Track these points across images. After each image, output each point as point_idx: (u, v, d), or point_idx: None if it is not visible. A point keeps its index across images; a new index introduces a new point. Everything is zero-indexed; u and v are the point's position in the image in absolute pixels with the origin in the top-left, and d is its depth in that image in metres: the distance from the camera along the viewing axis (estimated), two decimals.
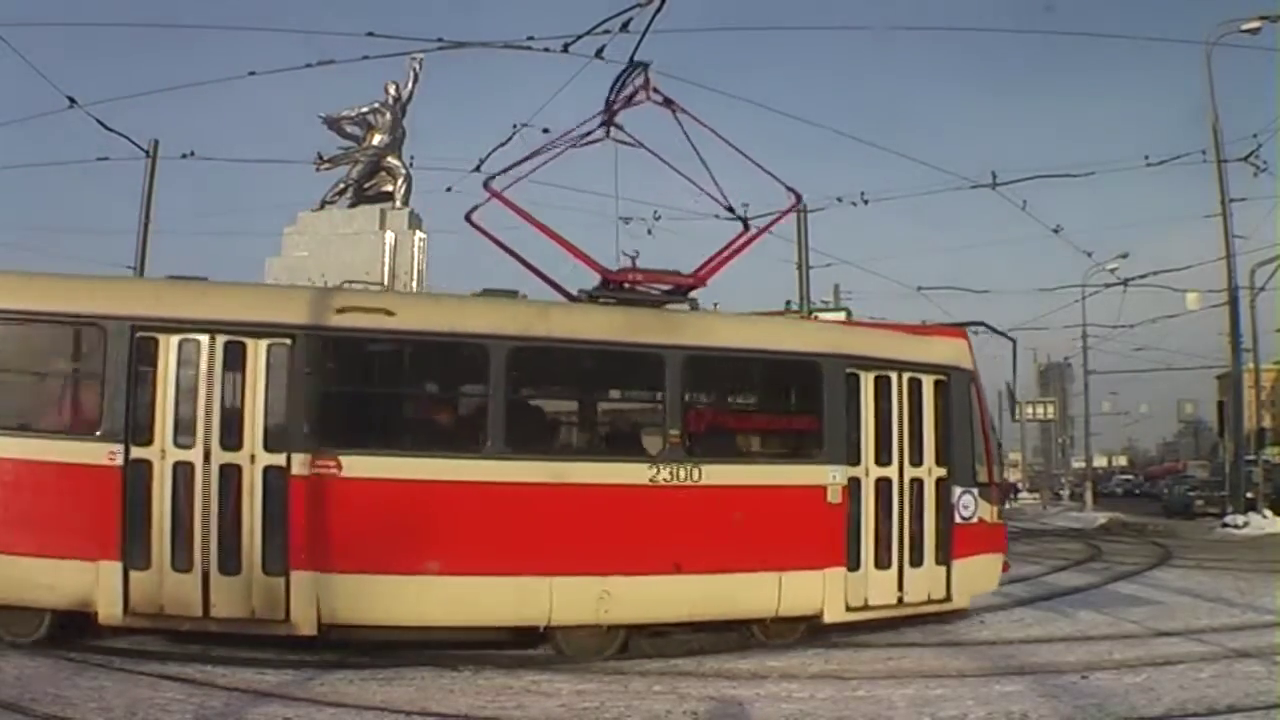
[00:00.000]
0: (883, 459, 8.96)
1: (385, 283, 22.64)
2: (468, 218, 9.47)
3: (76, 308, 7.68)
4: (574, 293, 9.19)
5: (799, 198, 10.15)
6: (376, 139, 24.14)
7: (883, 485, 8.94)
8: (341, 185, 24.07)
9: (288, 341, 7.68)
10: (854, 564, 8.71)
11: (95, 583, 7.26)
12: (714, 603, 8.30)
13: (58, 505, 7.34)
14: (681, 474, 8.16)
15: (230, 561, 7.44)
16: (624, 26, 11.85)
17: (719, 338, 8.82)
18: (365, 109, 24.24)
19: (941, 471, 9.26)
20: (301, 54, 23.84)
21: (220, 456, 7.51)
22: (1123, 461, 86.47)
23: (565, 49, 13.19)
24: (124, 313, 7.59)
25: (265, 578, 7.46)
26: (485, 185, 9.48)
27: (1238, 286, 25.11)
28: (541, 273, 9.28)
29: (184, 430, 7.51)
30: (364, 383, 8.42)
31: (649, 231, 22.43)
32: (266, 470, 7.54)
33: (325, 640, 7.62)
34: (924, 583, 9.12)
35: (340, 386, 8.03)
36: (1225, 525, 23.96)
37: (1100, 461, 68.59)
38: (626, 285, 9.22)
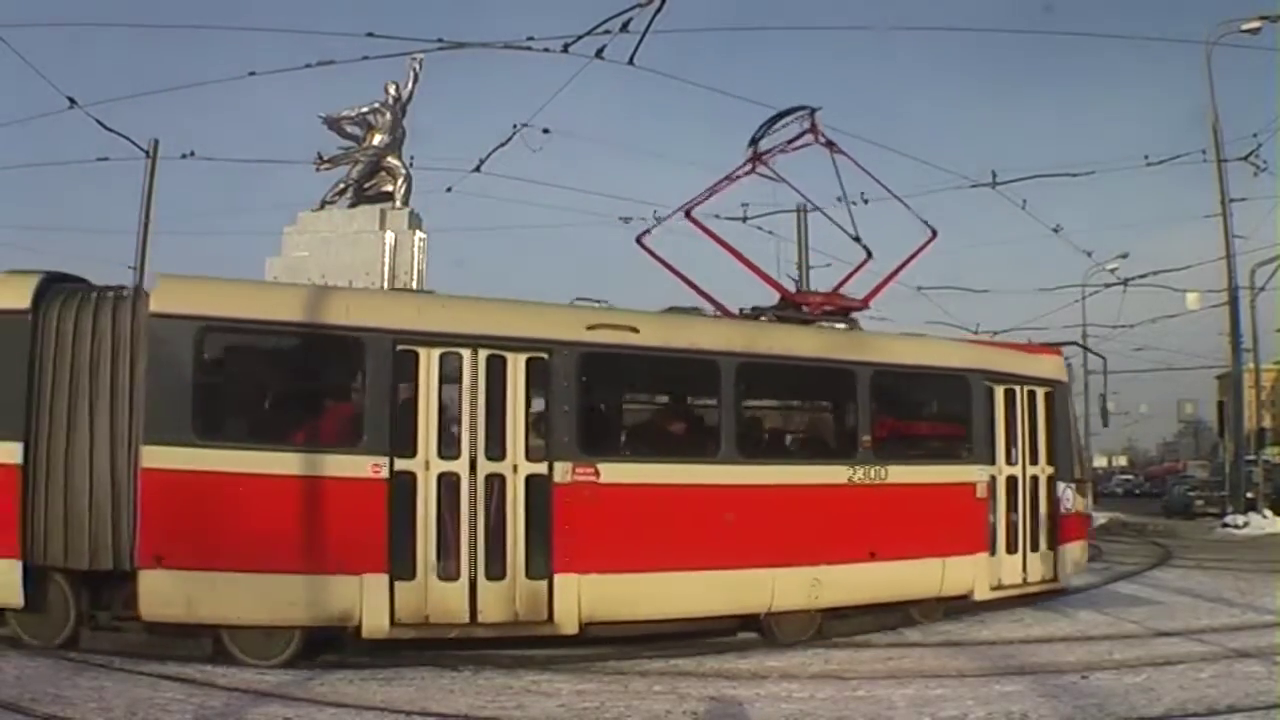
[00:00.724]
0: (1011, 459, 10.37)
1: (385, 283, 22.65)
2: (639, 241, 10.89)
3: (336, 320, 7.81)
4: (734, 311, 10.13)
5: (934, 234, 11.38)
6: (376, 139, 24.11)
7: (1011, 482, 10.35)
8: (341, 185, 24.03)
9: (545, 355, 8.14)
10: (993, 550, 10.05)
11: (360, 596, 7.42)
12: (896, 585, 9.43)
13: (318, 520, 7.43)
14: (872, 474, 9.28)
15: (495, 568, 7.79)
16: (624, 27, 11.88)
17: (896, 355, 9.98)
18: (365, 109, 24.20)
19: (1050, 470, 10.70)
20: (301, 54, 23.73)
21: (485, 467, 7.86)
22: (1123, 461, 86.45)
23: (565, 49, 13.17)
24: (384, 326, 7.81)
25: (529, 582, 7.87)
26: (687, 214, 10.88)
27: (1238, 286, 25.12)
28: (706, 293, 10.37)
29: (448, 442, 7.83)
30: (614, 394, 9.11)
31: (649, 232, 22.39)
32: (529, 479, 7.96)
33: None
34: (1040, 565, 10.52)
35: (594, 398, 8.61)
36: (1225, 525, 23.96)
37: (1100, 461, 68.57)
38: (806, 307, 10.39)
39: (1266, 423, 47.02)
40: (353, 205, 24.04)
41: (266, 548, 7.29)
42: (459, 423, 7.89)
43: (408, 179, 24.27)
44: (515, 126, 16.55)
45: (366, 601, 7.42)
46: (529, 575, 7.87)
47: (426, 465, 7.73)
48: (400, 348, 7.76)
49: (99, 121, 16.23)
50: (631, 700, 6.66)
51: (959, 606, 10.12)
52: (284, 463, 7.43)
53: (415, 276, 23.56)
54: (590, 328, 8.41)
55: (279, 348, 8.07)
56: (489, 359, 7.98)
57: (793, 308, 10.30)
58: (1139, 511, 34.83)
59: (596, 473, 8.10)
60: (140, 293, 7.65)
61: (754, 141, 11.08)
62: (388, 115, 24.15)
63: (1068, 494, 10.80)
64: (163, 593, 7.14)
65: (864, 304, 10.72)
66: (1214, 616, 10.23)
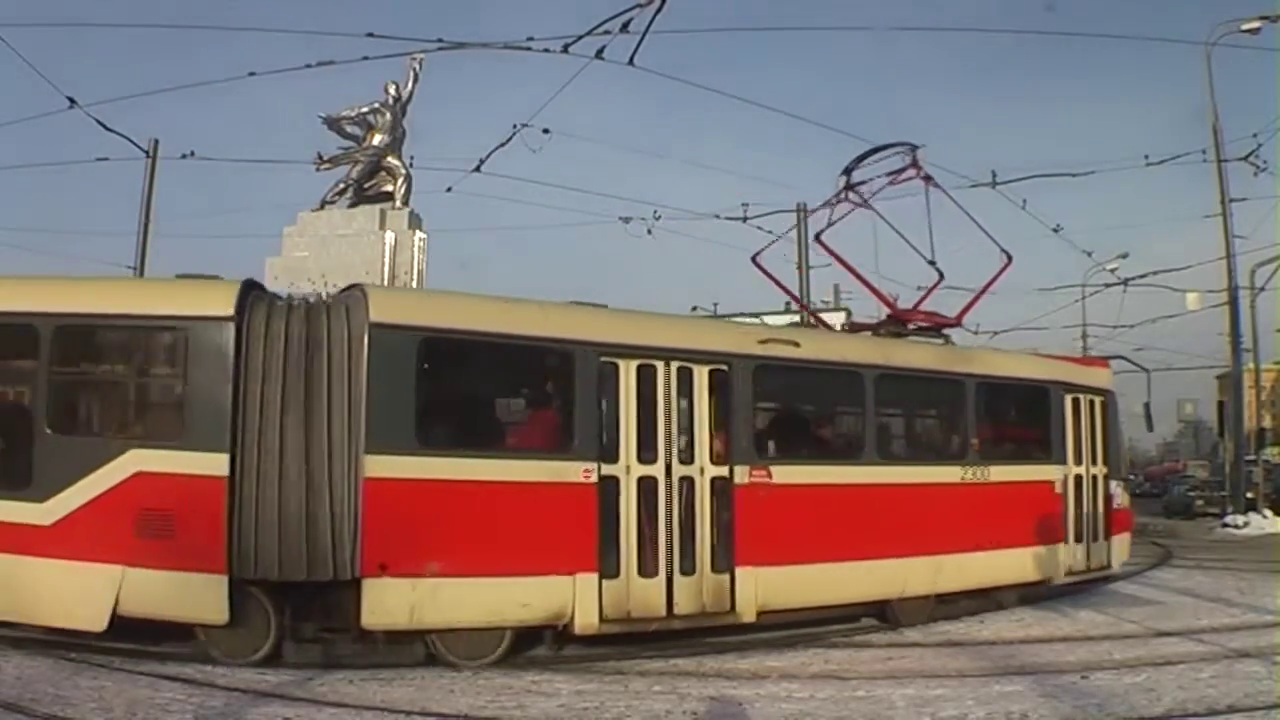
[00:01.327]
0: (1078, 460, 11.57)
1: (385, 283, 22.63)
2: (754, 260, 12.23)
3: (547, 333, 8.30)
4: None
5: (1010, 259, 12.32)
6: (376, 139, 24.08)
7: (1078, 480, 11.52)
8: (341, 185, 24.01)
9: (725, 367, 8.84)
10: (1067, 540, 11.28)
11: (572, 595, 7.86)
12: (997, 571, 10.60)
13: (533, 523, 7.82)
14: (979, 473, 10.41)
15: (687, 564, 8.42)
16: (624, 27, 11.90)
17: (994, 368, 11.19)
18: (365, 109, 24.17)
19: (1105, 469, 11.93)
20: (301, 54, 23.82)
21: (678, 470, 8.49)
22: None
23: (565, 49, 13.20)
24: (590, 338, 8.32)
25: (715, 576, 8.54)
26: (817, 238, 12.26)
27: (1238, 286, 25.06)
28: (818, 315, 12.73)
29: (646, 447, 8.38)
30: (781, 402, 9.92)
31: (649, 231, 22.42)
32: (714, 481, 8.64)
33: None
34: (1099, 553, 11.81)
35: (766, 406, 9.39)
36: (1225, 525, 23.93)
37: None
38: (910, 324, 11.47)
39: (1266, 423, 46.96)
40: (353, 205, 24.01)
41: (484, 552, 7.61)
42: (655, 429, 8.43)
43: (408, 179, 24.25)
44: (515, 126, 16.62)
45: (579, 600, 7.87)
46: (714, 570, 8.53)
47: (628, 470, 8.26)
48: (604, 359, 8.30)
49: (99, 121, 16.31)
50: (631, 700, 6.66)
51: (1033, 594, 11.22)
52: (501, 469, 7.85)
53: (415, 277, 23.55)
54: (761, 342, 9.26)
55: (494, 359, 8.35)
56: (679, 370, 8.63)
57: (899, 323, 11.47)
58: (1139, 511, 34.44)
59: (769, 474, 8.86)
60: (357, 302, 7.69)
61: (848, 171, 12.19)
62: (388, 115, 24.12)
63: (1118, 491, 12.21)
64: (386, 601, 7.33)
65: (957, 321, 11.98)
66: (1214, 616, 10.22)
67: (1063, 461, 11.33)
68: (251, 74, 18.88)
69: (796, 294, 13.16)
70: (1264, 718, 6.09)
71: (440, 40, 14.85)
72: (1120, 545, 12.28)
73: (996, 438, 11.03)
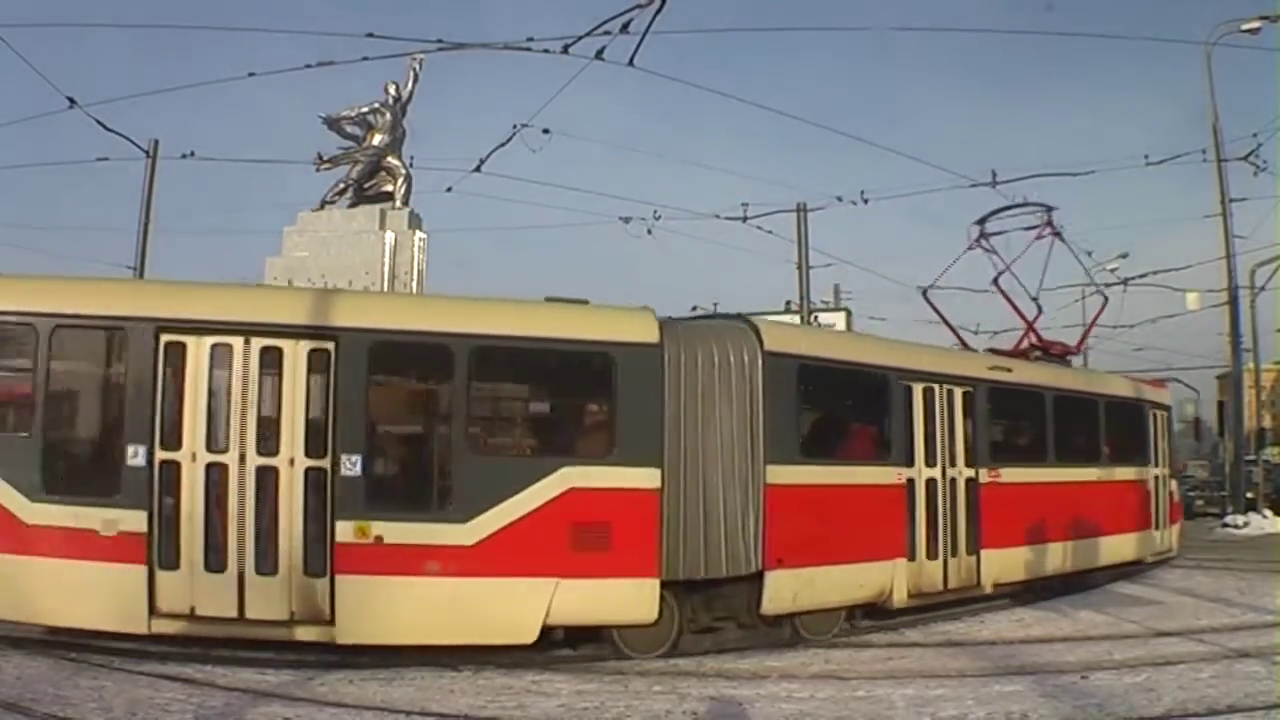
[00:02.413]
0: (1156, 463, 14.28)
1: (385, 283, 22.64)
2: (924, 294, 14.99)
3: (875, 361, 10.21)
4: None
5: (1106, 300, 16.44)
6: (376, 139, 24.13)
7: (1157, 479, 14.24)
8: (341, 185, 24.05)
9: (970, 389, 10.80)
10: (1157, 526, 14.09)
11: (891, 576, 9.58)
12: (1121, 551, 13.15)
13: (866, 518, 9.46)
14: (1108, 474, 12.91)
15: (953, 548, 10.34)
16: (624, 28, 11.89)
17: (1113, 389, 13.91)
18: (365, 109, 24.22)
19: (1167, 470, 14.67)
20: (301, 54, 23.80)
21: (949, 472, 10.41)
22: None
23: (565, 50, 13.19)
24: (900, 366, 10.28)
25: (967, 557, 10.50)
26: (923, 294, 14.96)
27: (1238, 286, 25.01)
28: (964, 341, 15.19)
29: (931, 453, 10.23)
30: (1001, 416, 11.63)
31: (649, 231, 22.41)
32: (967, 481, 10.59)
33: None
34: (1167, 538, 14.57)
35: (993, 419, 11.25)
36: (1225, 525, 23.90)
37: None
38: (1038, 351, 13.74)
39: (1266, 423, 46.95)
40: (353, 205, 24.05)
41: (838, 544, 9.09)
42: (934, 438, 10.27)
43: (408, 179, 24.29)
44: (515, 127, 16.60)
45: (895, 580, 9.60)
46: (967, 552, 10.45)
47: (919, 472, 10.09)
48: (902, 383, 10.13)
49: (99, 122, 16.30)
50: (631, 700, 6.66)
51: (1120, 573, 13.16)
52: (848, 474, 9.53)
53: (415, 277, 23.57)
54: (990, 368, 11.55)
55: (841, 381, 9.96)
56: (947, 392, 10.48)
57: (1039, 350, 13.79)
58: None
59: (999, 475, 10.88)
60: (747, 333, 8.84)
61: (981, 222, 14.65)
62: (388, 115, 24.16)
63: (1174, 487, 15.07)
64: (781, 590, 8.67)
65: (1077, 349, 14.88)
66: (1214, 616, 10.21)
67: (1152, 464, 14.12)
68: (251, 74, 18.91)
69: (955, 330, 15.39)
70: (1264, 718, 6.09)
71: (440, 40, 14.84)
72: (1179, 532, 15.06)
73: (1114, 445, 13.32)
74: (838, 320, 29.09)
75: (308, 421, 7.64)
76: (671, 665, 7.95)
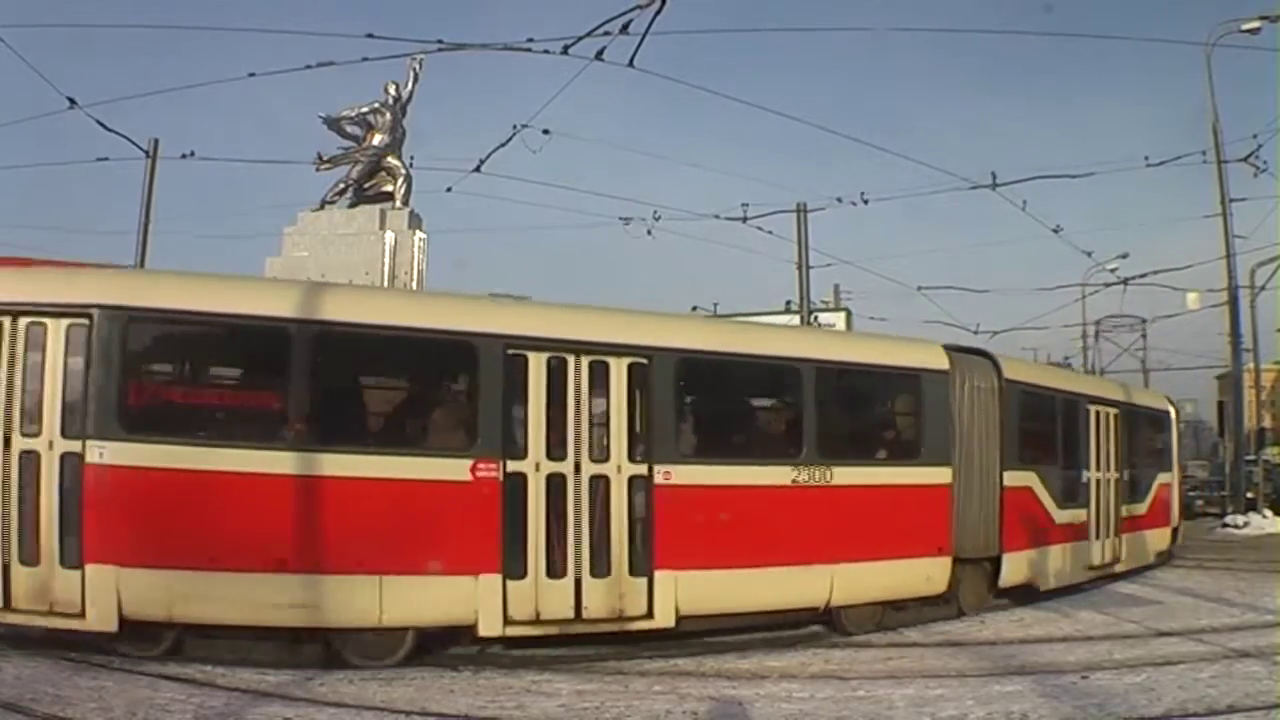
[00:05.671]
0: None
1: (385, 283, 22.61)
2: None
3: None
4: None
5: (1144, 322, 18.09)
6: (376, 139, 24.08)
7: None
8: (341, 185, 24.01)
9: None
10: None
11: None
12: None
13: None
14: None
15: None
16: (624, 29, 11.89)
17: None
18: (365, 109, 24.18)
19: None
20: (301, 54, 23.80)
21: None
22: None
23: (565, 51, 13.19)
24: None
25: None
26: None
27: (1238, 286, 25.04)
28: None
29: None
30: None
31: (649, 232, 22.41)
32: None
33: None
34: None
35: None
36: (1225, 525, 23.92)
37: None
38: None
39: (1266, 423, 46.93)
40: (353, 205, 24.01)
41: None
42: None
43: (408, 179, 24.25)
44: (515, 127, 16.60)
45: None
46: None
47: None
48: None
49: (99, 122, 16.29)
50: (631, 700, 6.66)
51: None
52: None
53: (415, 277, 23.54)
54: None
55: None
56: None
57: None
58: None
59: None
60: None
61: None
62: (388, 115, 24.12)
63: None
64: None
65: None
66: (1214, 616, 10.22)
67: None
68: (251, 74, 18.83)
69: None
70: (1264, 718, 6.09)
71: (440, 40, 14.83)
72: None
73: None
74: (838, 320, 29.08)
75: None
76: (672, 665, 7.96)
